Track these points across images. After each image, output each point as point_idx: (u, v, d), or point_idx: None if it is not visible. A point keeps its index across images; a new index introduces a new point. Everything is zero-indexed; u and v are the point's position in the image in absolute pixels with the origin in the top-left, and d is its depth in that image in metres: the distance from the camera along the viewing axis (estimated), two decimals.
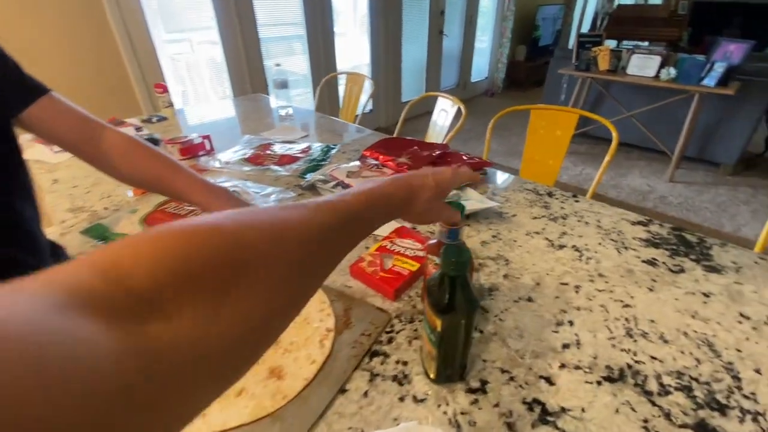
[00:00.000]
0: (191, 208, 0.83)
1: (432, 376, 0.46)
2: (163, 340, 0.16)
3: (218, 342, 0.18)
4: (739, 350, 0.50)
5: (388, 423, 0.42)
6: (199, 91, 2.75)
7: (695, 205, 2.49)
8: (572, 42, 3.48)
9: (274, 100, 1.76)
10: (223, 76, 2.78)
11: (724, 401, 0.44)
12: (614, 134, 1.16)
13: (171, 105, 1.50)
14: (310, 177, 0.94)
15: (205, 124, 1.47)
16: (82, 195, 0.93)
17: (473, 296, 0.40)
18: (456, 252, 0.39)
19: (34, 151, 1.20)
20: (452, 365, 0.46)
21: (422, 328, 0.47)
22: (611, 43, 3.14)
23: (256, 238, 0.22)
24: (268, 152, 1.13)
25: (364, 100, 1.95)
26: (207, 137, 1.14)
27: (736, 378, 0.47)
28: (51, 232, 0.79)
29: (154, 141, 1.17)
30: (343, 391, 0.46)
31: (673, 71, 2.58)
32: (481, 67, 4.98)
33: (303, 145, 1.18)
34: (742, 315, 0.56)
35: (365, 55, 3.62)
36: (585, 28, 5.86)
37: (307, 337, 0.51)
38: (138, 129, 1.33)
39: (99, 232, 0.76)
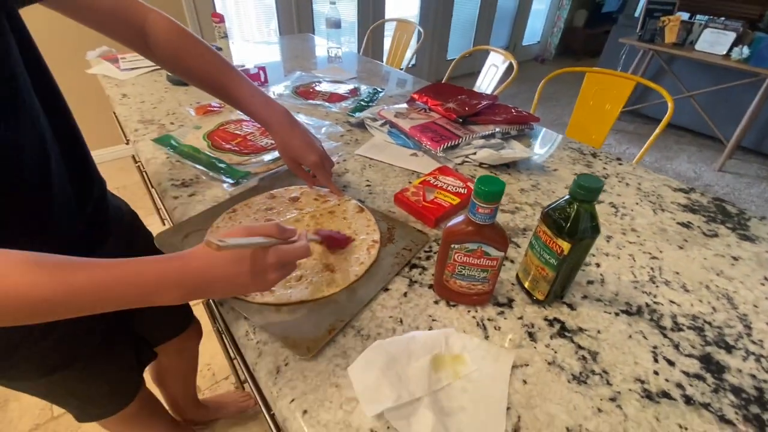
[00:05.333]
0: (249, 130, 0.89)
1: (540, 297, 0.50)
2: None
3: None
4: (756, 306, 0.54)
5: (423, 318, 0.49)
6: (244, 28, 2.76)
7: (741, 197, 2.38)
8: (640, 9, 3.22)
9: (322, 41, 1.76)
10: (271, 14, 2.77)
11: (732, 343, 0.48)
12: (670, 104, 1.12)
13: (226, 36, 1.53)
14: (359, 115, 0.98)
15: (255, 59, 1.51)
16: (150, 110, 1.01)
17: (598, 221, 0.44)
18: (590, 179, 0.41)
19: (101, 67, 1.28)
20: (564, 285, 0.50)
21: (531, 255, 0.50)
22: (683, 15, 2.89)
23: None
24: (318, 89, 1.17)
25: (412, 51, 1.92)
26: (263, 69, 1.18)
27: (748, 327, 0.50)
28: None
29: None
30: (386, 289, 0.52)
31: (746, 51, 2.38)
32: (534, 30, 4.70)
33: (351, 86, 1.21)
34: (766, 278, 0.58)
35: (414, 6, 3.49)
36: None
37: (356, 245, 0.58)
38: None
39: (169, 142, 0.83)
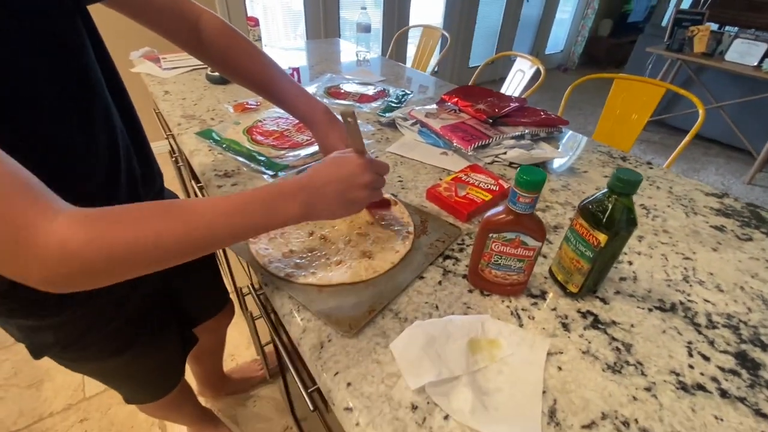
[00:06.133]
0: (285, 126, 0.93)
1: (574, 290, 0.51)
2: None
3: None
4: None
5: (458, 305, 0.51)
6: (271, 33, 2.84)
7: None
8: (667, 19, 3.19)
9: (348, 45, 1.81)
10: (298, 19, 2.85)
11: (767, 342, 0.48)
12: (701, 112, 1.12)
13: (260, 39, 1.59)
14: (389, 115, 1.01)
15: (285, 62, 1.56)
16: (191, 106, 1.06)
17: (635, 215, 0.45)
18: (630, 173, 0.43)
19: (144, 66, 1.35)
20: (597, 279, 0.51)
21: (566, 248, 0.51)
22: (712, 26, 2.84)
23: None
24: (348, 90, 1.20)
25: (437, 56, 1.95)
26: (297, 70, 1.23)
27: None
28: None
29: None
30: (421, 277, 0.54)
31: None
32: (558, 39, 4.69)
33: (379, 88, 1.24)
34: None
35: (438, 13, 3.53)
36: (685, 5, 5.28)
37: (390, 235, 0.60)
38: None
39: (211, 135, 0.88)
